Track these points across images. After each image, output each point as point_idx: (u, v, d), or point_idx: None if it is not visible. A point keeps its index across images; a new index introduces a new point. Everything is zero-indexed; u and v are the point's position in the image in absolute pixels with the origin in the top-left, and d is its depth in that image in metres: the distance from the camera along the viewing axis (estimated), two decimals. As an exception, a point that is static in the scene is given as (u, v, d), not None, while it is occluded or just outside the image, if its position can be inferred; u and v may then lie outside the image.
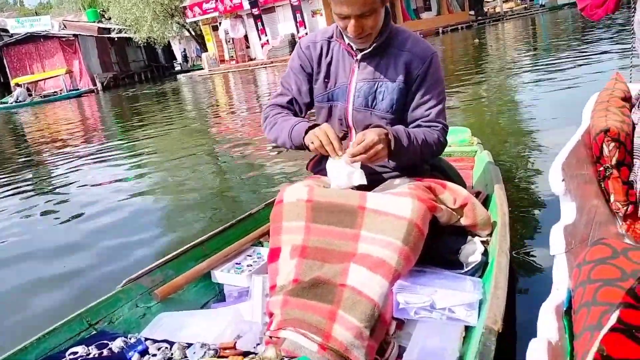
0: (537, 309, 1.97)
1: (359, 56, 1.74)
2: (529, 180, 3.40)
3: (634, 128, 1.69)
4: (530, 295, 2.09)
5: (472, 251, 1.68)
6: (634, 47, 2.38)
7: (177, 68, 33.55)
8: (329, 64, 1.80)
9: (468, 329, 1.43)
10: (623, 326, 0.85)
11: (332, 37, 1.80)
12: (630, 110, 1.82)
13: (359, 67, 1.76)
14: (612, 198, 1.56)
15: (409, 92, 1.75)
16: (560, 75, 7.26)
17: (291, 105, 1.87)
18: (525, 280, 2.20)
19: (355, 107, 1.77)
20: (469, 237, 1.74)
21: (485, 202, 1.94)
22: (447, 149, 1.85)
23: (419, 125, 1.75)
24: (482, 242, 1.73)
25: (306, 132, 1.65)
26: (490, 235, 1.76)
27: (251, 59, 27.76)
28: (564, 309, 1.15)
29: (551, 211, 2.83)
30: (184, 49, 34.30)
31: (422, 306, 1.43)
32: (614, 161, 1.53)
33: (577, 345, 1.02)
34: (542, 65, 9.07)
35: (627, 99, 1.87)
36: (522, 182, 3.37)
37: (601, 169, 1.56)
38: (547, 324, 1.08)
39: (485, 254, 1.68)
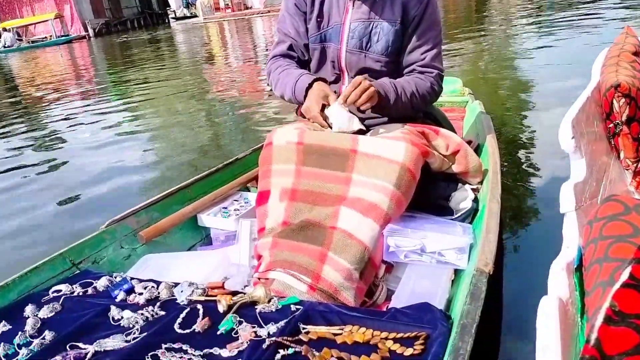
0: (525, 257, 2.02)
1: None
2: (523, 132, 3.36)
3: None
4: (519, 243, 2.12)
5: (462, 198, 1.68)
6: None
7: (171, 15, 32.60)
8: (322, 3, 1.72)
9: (457, 273, 1.44)
10: (635, 282, 0.83)
11: None
12: None
13: (353, 6, 1.68)
14: (622, 155, 1.54)
15: (405, 34, 1.68)
16: (567, 31, 7.10)
17: (292, 52, 1.79)
18: (512, 230, 2.23)
19: (348, 49, 1.70)
20: (460, 185, 1.73)
21: (477, 151, 1.94)
22: (438, 100, 1.82)
23: (413, 70, 1.69)
24: (473, 189, 1.73)
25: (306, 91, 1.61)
26: (481, 183, 1.76)
27: (247, 7, 27.11)
28: (575, 266, 1.14)
29: (542, 162, 2.82)
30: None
31: (412, 249, 1.43)
32: (624, 117, 1.49)
33: (588, 302, 1.00)
34: (545, 18, 8.90)
35: (638, 53, 1.81)
36: (515, 133, 3.34)
37: (611, 125, 1.52)
38: (558, 281, 1.07)
39: (476, 201, 1.69)
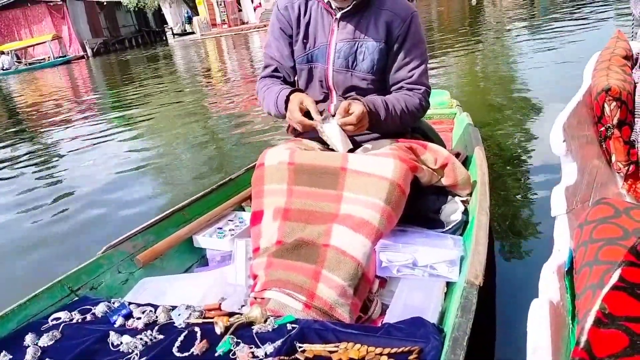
0: (516, 266, 2.04)
1: (338, 15, 1.70)
2: (514, 136, 3.39)
3: (635, 87, 1.66)
4: (509, 253, 2.14)
5: (452, 210, 1.70)
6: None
7: (169, 33, 32.82)
8: (308, 24, 1.75)
9: (449, 285, 1.45)
10: (625, 284, 0.85)
11: None
12: (632, 69, 1.79)
13: (338, 27, 1.71)
14: (613, 158, 1.55)
15: (389, 53, 1.72)
16: (558, 36, 7.14)
17: (277, 73, 1.83)
18: (504, 239, 2.24)
19: (335, 68, 1.73)
20: (450, 197, 1.76)
21: (465, 163, 1.96)
22: (427, 112, 1.85)
23: (401, 87, 1.72)
24: (463, 201, 1.75)
25: (286, 102, 1.66)
26: (470, 194, 1.78)
27: (244, 23, 27.28)
28: (566, 269, 1.15)
29: (534, 167, 2.84)
30: (188, 11, 33.36)
31: (404, 264, 1.45)
32: (615, 121, 1.51)
33: (578, 304, 1.02)
34: (537, 23, 8.95)
35: (628, 57, 1.84)
36: (506, 138, 3.36)
37: (602, 129, 1.54)
38: (549, 284, 1.08)
39: (466, 213, 1.71)
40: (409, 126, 1.82)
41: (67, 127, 7.10)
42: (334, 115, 1.59)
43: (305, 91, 1.79)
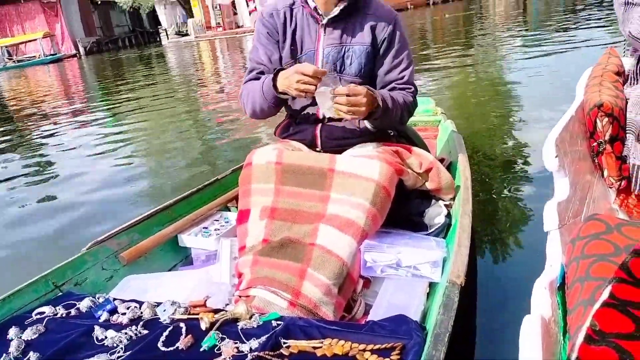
0: (497, 269, 2.07)
1: (324, 20, 1.73)
2: (495, 149, 3.43)
3: (627, 103, 1.67)
4: (492, 256, 2.18)
5: (436, 213, 1.74)
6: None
7: (162, 34, 32.74)
8: (294, 31, 1.78)
9: (432, 285, 1.48)
10: (615, 301, 0.85)
11: (294, 3, 1.78)
12: (624, 85, 1.81)
13: (324, 32, 1.74)
14: (605, 173, 1.55)
15: (376, 56, 1.76)
16: (551, 51, 7.19)
17: (262, 75, 1.80)
18: (487, 242, 2.28)
19: None
20: (434, 201, 1.80)
21: (449, 168, 2.00)
22: (411, 119, 1.90)
23: (394, 88, 1.76)
24: (446, 205, 1.79)
25: (274, 81, 1.62)
26: (453, 199, 1.82)
27: (238, 26, 27.29)
28: (558, 284, 1.16)
29: (523, 184, 2.88)
30: (183, 13, 33.25)
31: (388, 264, 1.47)
32: (607, 136, 1.51)
33: (570, 320, 1.03)
34: (530, 38, 9.01)
35: (620, 73, 1.85)
36: (487, 151, 3.41)
37: (595, 144, 1.54)
38: (541, 300, 1.08)
39: (449, 216, 1.75)
40: (404, 122, 1.84)
41: (54, 125, 7.06)
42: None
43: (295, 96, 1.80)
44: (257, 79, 1.79)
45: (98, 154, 4.99)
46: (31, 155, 5.43)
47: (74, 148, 5.42)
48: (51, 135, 6.39)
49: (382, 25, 1.73)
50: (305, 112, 1.81)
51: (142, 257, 1.79)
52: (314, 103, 1.79)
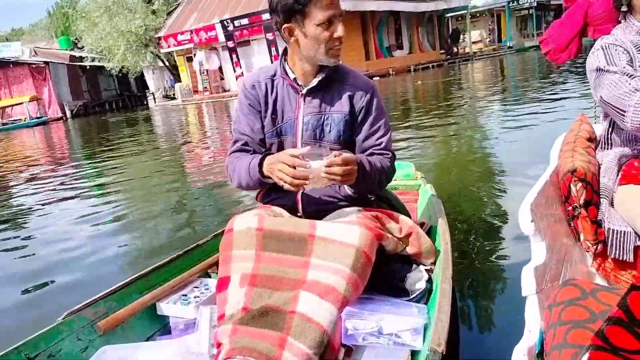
0: (478, 335, 2.03)
1: (304, 91, 1.80)
2: (474, 214, 3.46)
3: (599, 168, 1.71)
4: (472, 321, 2.15)
5: (417, 279, 1.74)
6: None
7: (150, 98, 33.29)
8: (275, 101, 1.84)
9: (414, 353, 1.46)
10: None
11: (274, 75, 1.85)
12: (596, 150, 1.86)
13: (304, 101, 1.81)
14: (581, 237, 1.57)
15: (354, 123, 1.82)
16: (525, 115, 7.45)
17: (246, 147, 1.88)
18: (467, 306, 2.26)
19: (304, 140, 1.81)
20: (414, 266, 1.80)
21: (429, 233, 2.01)
22: (392, 183, 1.94)
23: (372, 154, 1.81)
24: (427, 270, 1.79)
25: (260, 165, 1.68)
26: (434, 263, 1.82)
27: (225, 91, 27.93)
28: (537, 351, 1.15)
29: (505, 244, 2.89)
30: (170, 78, 33.95)
31: (370, 332, 1.45)
32: (582, 201, 1.54)
33: None
34: (506, 104, 9.34)
35: (592, 139, 1.91)
36: (466, 215, 3.44)
37: (570, 208, 1.57)
38: None
39: (430, 281, 1.75)
40: (383, 186, 1.88)
41: (33, 188, 7.00)
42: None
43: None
44: (242, 150, 1.85)
45: (78, 218, 4.92)
46: (6, 220, 5.33)
47: (52, 213, 5.35)
48: (31, 198, 6.31)
49: (360, 95, 1.80)
50: None
51: (119, 326, 1.74)
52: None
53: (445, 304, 1.42)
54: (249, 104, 1.86)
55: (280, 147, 1.84)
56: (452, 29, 35.03)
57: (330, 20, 1.64)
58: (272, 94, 1.84)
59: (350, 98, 1.80)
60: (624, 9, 1.76)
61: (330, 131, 1.79)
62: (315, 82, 1.78)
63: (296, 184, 1.56)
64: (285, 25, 1.69)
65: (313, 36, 1.66)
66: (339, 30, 1.66)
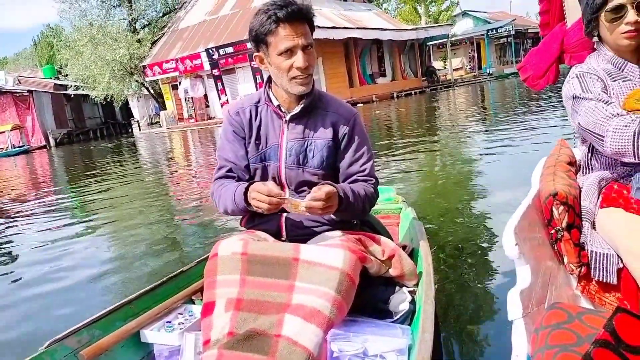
0: (463, 357, 2.04)
1: (287, 117, 1.83)
2: (456, 237, 3.51)
3: (580, 191, 1.75)
4: (456, 343, 2.18)
5: (400, 300, 1.77)
6: None
7: (134, 125, 33.20)
8: (259, 127, 1.87)
9: None
10: None
11: (259, 102, 1.90)
12: (576, 174, 1.90)
13: (288, 128, 1.84)
14: (565, 260, 1.58)
15: (337, 150, 1.87)
16: (506, 140, 7.59)
17: (231, 173, 1.91)
18: (451, 328, 2.30)
19: (287, 165, 1.84)
20: (397, 287, 1.83)
21: (411, 255, 2.04)
22: (374, 207, 1.95)
23: (355, 180, 1.85)
24: (410, 291, 1.83)
25: (245, 194, 1.71)
26: (416, 285, 1.86)
27: (210, 118, 27.99)
28: None
29: (477, 265, 2.95)
30: (155, 106, 33.89)
31: (355, 353, 1.47)
32: (564, 224, 1.56)
33: None
34: (487, 129, 9.50)
35: (572, 163, 1.95)
36: (448, 239, 3.49)
37: (553, 231, 1.58)
38: None
39: (413, 302, 1.78)
40: (367, 212, 1.92)
41: (13, 218, 6.90)
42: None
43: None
44: (226, 177, 1.89)
45: (61, 245, 4.86)
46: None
47: (34, 241, 5.27)
48: (11, 227, 6.21)
49: (343, 122, 1.85)
50: None
51: (102, 354, 1.72)
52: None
53: (428, 325, 1.44)
54: (233, 131, 1.89)
55: (264, 172, 1.88)
56: (427, 67, 35.70)
57: (292, 51, 1.68)
58: (256, 120, 1.87)
59: (334, 125, 1.84)
60: (595, 39, 1.82)
61: (313, 157, 1.82)
62: (298, 108, 1.81)
63: (272, 210, 1.63)
64: (255, 54, 1.79)
65: (276, 65, 1.72)
66: (299, 61, 1.68)
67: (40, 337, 2.23)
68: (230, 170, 1.90)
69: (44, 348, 1.62)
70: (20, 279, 3.97)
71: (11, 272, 4.22)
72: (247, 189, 1.71)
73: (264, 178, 1.88)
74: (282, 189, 1.85)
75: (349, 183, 1.85)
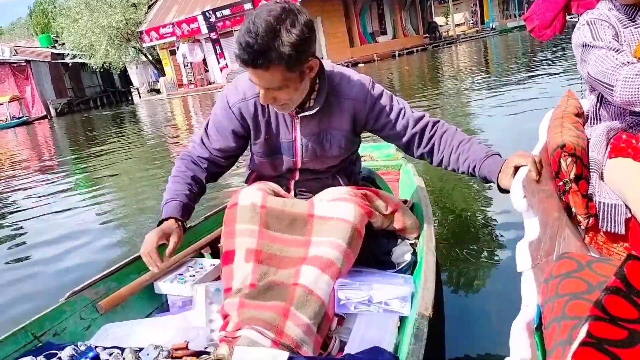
0: (465, 304, 2.14)
1: (299, 115, 1.70)
2: (457, 192, 3.57)
3: (588, 142, 1.73)
4: (458, 291, 2.27)
5: (402, 252, 1.85)
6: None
7: (134, 93, 32.89)
8: (268, 122, 1.73)
9: (402, 319, 1.56)
10: (593, 340, 0.87)
11: None
12: (584, 125, 1.87)
13: (301, 123, 1.72)
14: (573, 211, 1.57)
15: (356, 130, 1.77)
16: (511, 95, 7.50)
17: (203, 163, 1.80)
18: (450, 276, 2.40)
19: (304, 159, 1.78)
20: (399, 240, 1.90)
21: (412, 209, 2.09)
22: (374, 163, 2.02)
23: (413, 135, 1.74)
24: (411, 244, 1.90)
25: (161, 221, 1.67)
26: (417, 237, 1.92)
27: (210, 83, 27.71)
28: (535, 325, 1.16)
29: (498, 221, 2.98)
30: (154, 72, 33.35)
31: (360, 301, 1.55)
32: (572, 175, 1.54)
33: None
34: (492, 85, 9.38)
35: (580, 114, 1.91)
36: (449, 194, 3.55)
37: (561, 183, 1.57)
38: (519, 342, 1.10)
39: (414, 254, 1.85)
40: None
41: (21, 184, 6.97)
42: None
43: (266, 172, 1.86)
44: (196, 162, 1.80)
45: (69, 209, 4.98)
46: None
47: (45, 205, 5.36)
48: (19, 196, 6.29)
49: (360, 105, 1.70)
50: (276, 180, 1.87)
51: (119, 305, 1.81)
52: (285, 175, 1.87)
53: (430, 274, 1.52)
54: (232, 130, 1.75)
55: (275, 165, 1.82)
56: (429, 23, 34.86)
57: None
58: (263, 114, 1.72)
59: (350, 113, 1.71)
60: None
61: (331, 147, 1.76)
62: (311, 112, 1.67)
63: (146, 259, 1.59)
64: None
65: None
66: (260, 97, 1.55)
67: (59, 290, 2.32)
68: (206, 160, 1.79)
69: (64, 299, 1.71)
70: (34, 239, 4.07)
71: (23, 236, 4.31)
72: (164, 219, 1.67)
73: (275, 170, 1.84)
74: (293, 173, 1.85)
75: (414, 143, 1.75)
